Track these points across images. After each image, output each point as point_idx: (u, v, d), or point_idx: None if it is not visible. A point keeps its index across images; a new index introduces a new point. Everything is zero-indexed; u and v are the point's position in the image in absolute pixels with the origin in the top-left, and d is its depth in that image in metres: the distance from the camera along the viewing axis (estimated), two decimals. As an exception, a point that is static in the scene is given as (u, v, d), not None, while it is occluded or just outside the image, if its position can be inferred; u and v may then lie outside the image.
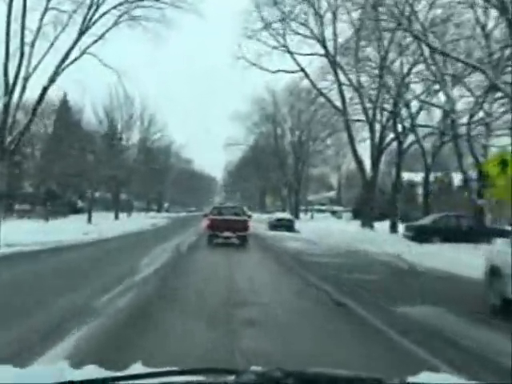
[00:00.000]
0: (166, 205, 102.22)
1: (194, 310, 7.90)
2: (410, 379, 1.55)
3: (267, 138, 62.00)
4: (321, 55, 35.10)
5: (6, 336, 5.98)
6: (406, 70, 28.95)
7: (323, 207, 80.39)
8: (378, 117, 35.24)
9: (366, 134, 36.81)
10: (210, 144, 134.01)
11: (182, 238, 26.32)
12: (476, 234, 21.59)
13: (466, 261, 14.54)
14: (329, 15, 34.49)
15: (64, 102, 61.32)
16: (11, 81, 25.39)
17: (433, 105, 27.41)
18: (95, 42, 28.07)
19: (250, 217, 26.93)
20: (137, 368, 1.71)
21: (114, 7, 28.07)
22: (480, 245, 17.87)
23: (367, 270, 14.94)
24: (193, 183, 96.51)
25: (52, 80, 27.17)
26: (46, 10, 26.21)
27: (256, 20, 34.35)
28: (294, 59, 34.87)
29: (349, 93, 35.69)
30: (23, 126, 27.30)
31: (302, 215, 60.31)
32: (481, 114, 23.90)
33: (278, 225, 39.00)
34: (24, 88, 26.40)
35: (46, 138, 60.76)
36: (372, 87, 32.56)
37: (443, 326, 7.34)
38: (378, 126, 35.82)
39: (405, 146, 32.55)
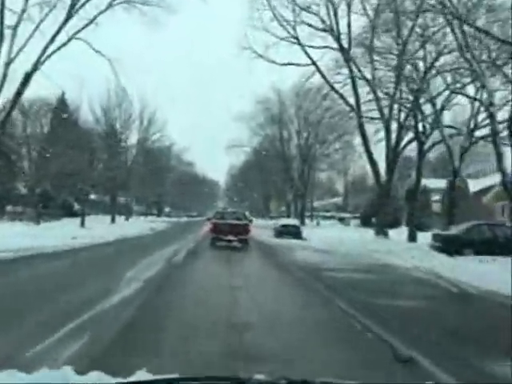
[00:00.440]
0: (167, 209, 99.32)
1: None
2: None
3: (272, 140, 58.78)
4: (333, 48, 32.03)
5: None
6: (429, 60, 25.83)
7: (328, 214, 77.28)
8: (395, 115, 32.14)
9: (379, 135, 33.68)
10: (213, 146, 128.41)
11: (178, 246, 23.26)
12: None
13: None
14: (343, 6, 31.52)
15: (61, 101, 58.50)
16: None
17: (468, 96, 24.25)
18: (86, 26, 25.12)
19: (251, 221, 27.79)
20: (141, 375, 1.75)
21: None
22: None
23: (407, 292, 11.82)
24: (194, 187, 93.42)
25: (36, 66, 24.10)
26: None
27: (264, 7, 31.33)
28: (305, 51, 31.80)
29: (363, 90, 32.64)
30: (4, 115, 24.18)
31: (307, 222, 57.13)
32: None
33: (284, 232, 35.83)
34: (5, 75, 23.40)
35: (42, 138, 57.98)
36: (389, 80, 29.44)
37: None
38: (394, 127, 32.76)
39: (426, 147, 29.36)
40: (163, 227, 48.16)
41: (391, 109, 31.56)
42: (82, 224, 40.72)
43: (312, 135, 53.76)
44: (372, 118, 31.75)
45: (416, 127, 28.41)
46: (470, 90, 24.79)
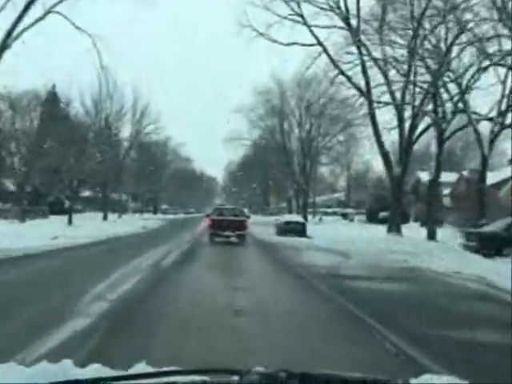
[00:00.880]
0: (164, 206, 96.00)
1: None
2: (413, 381, 1.54)
3: (272, 132, 55.24)
4: (341, 28, 28.65)
5: None
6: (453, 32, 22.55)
7: (329, 209, 73.99)
8: (409, 100, 28.86)
9: (390, 123, 30.31)
10: (210, 140, 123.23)
11: (170, 247, 20.00)
12: None
13: None
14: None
15: (52, 94, 55.18)
16: None
17: (502, 65, 20.76)
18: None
19: (248, 217, 28.40)
20: (141, 368, 1.71)
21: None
22: None
23: (474, 312, 8.53)
24: (192, 184, 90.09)
25: (5, 43, 20.73)
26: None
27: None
28: (311, 30, 28.38)
29: (373, 72, 29.32)
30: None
31: (309, 218, 53.79)
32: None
33: (287, 229, 32.50)
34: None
35: (31, 132, 54.78)
36: (403, 60, 26.15)
37: None
38: (407, 114, 29.50)
39: (446, 134, 26.04)
40: (158, 225, 44.82)
41: (404, 92, 28.30)
42: (70, 222, 37.41)
43: (314, 127, 50.43)
44: (384, 103, 28.36)
45: (435, 111, 25.07)
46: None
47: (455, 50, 23.64)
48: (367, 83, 28.74)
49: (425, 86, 25.73)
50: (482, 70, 21.94)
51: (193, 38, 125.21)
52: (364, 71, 28.78)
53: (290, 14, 28.05)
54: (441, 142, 25.63)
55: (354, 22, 28.37)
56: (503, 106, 22.92)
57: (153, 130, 49.44)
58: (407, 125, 29.76)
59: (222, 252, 19.02)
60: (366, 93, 28.75)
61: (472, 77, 22.73)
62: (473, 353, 5.95)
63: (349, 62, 28.33)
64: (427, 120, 29.06)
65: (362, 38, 27.68)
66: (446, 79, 23.49)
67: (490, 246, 16.89)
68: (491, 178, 43.17)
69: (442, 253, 17.85)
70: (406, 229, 32.63)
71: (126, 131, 49.68)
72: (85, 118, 46.53)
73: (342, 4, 28.14)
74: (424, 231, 34.28)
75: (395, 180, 29.84)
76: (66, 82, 44.27)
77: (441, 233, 27.99)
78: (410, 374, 1.54)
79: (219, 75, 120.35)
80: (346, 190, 68.74)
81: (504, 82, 22.81)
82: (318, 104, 49.30)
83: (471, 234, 19.09)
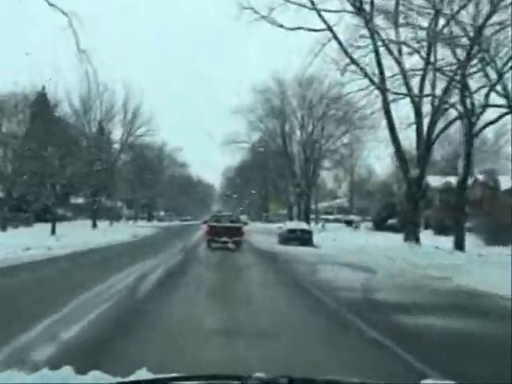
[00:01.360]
0: (161, 213, 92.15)
1: None
2: None
3: (272, 135, 51.38)
4: (351, 12, 25.07)
5: None
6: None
7: (330, 216, 70.37)
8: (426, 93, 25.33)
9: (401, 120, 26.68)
10: (207, 145, 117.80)
11: (157, 262, 16.34)
12: None
13: None
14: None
15: (41, 95, 51.50)
16: None
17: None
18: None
19: (246, 224, 29.73)
20: (142, 374, 1.67)
21: None
22: None
23: None
24: (189, 190, 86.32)
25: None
26: None
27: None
28: (319, 14, 24.73)
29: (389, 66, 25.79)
30: None
31: (311, 225, 50.04)
32: None
33: (291, 238, 28.84)
34: None
35: (19, 136, 51.16)
36: (421, 44, 22.63)
37: None
38: (425, 109, 25.95)
39: (476, 128, 22.40)
40: (150, 233, 41.04)
41: (423, 82, 24.77)
42: (53, 231, 33.64)
43: (317, 129, 46.86)
44: (404, 94, 24.71)
45: (463, 102, 21.40)
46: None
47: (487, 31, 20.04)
48: (381, 73, 25.14)
49: (449, 69, 22.11)
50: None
51: (187, 30, 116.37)
52: (378, 60, 25.20)
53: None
54: (470, 137, 21.97)
55: (367, 6, 24.86)
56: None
57: (145, 131, 45.69)
58: (425, 121, 26.24)
59: (219, 269, 15.30)
60: (380, 82, 25.14)
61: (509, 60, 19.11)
62: None
63: (359, 47, 24.72)
64: (449, 115, 25.57)
65: (376, 22, 24.18)
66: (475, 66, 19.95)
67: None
68: (507, 182, 39.76)
69: (494, 268, 14.14)
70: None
71: (117, 133, 45.99)
72: (73, 119, 42.80)
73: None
74: (440, 239, 30.80)
75: (413, 183, 26.20)
76: (53, 80, 40.37)
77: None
78: (411, 380, 1.46)
79: (216, 74, 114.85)
80: (349, 196, 64.99)
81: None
82: (320, 104, 45.84)
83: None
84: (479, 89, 20.99)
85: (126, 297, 9.38)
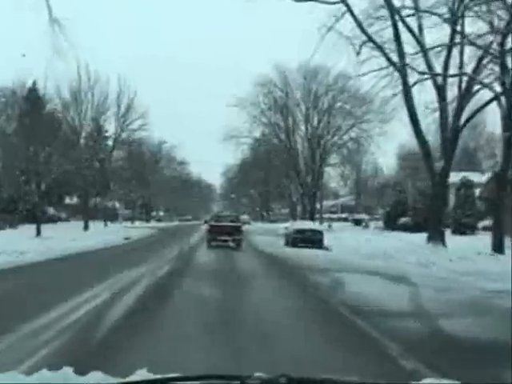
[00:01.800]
0: (161, 213, 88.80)
1: None
2: None
3: (275, 129, 47.78)
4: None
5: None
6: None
7: (334, 215, 67.07)
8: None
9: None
10: (206, 142, 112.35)
11: (145, 270, 13.10)
12: None
13: None
14: None
15: (31, 91, 48.23)
16: None
17: None
18: None
19: (249, 223, 33.07)
20: (141, 374, 1.65)
21: None
22: None
23: None
24: (189, 190, 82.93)
25: None
26: None
27: None
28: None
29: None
30: None
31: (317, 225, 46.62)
32: None
33: (300, 239, 25.54)
34: None
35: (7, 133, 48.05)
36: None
37: None
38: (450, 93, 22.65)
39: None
40: (145, 235, 37.68)
41: (449, 56, 21.47)
42: (38, 233, 30.33)
43: (323, 122, 43.53)
44: (432, 74, 21.35)
45: (503, 79, 18.03)
46: None
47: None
48: (400, 49, 21.78)
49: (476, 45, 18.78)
50: None
51: (183, 15, 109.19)
52: (397, 36, 21.87)
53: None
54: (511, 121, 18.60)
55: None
56: None
57: (140, 126, 42.20)
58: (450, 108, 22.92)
59: (218, 283, 11.83)
60: (400, 63, 21.81)
61: None
62: None
63: (378, 18, 21.38)
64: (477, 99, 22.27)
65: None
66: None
67: None
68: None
69: None
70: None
71: (110, 128, 42.56)
72: (63, 113, 39.53)
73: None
74: (462, 240, 27.57)
75: (437, 177, 22.88)
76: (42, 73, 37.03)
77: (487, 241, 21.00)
78: (409, 379, 1.50)
79: (215, 67, 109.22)
80: (355, 194, 61.56)
81: None
82: (327, 96, 42.52)
83: None
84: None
85: (98, 319, 6.04)
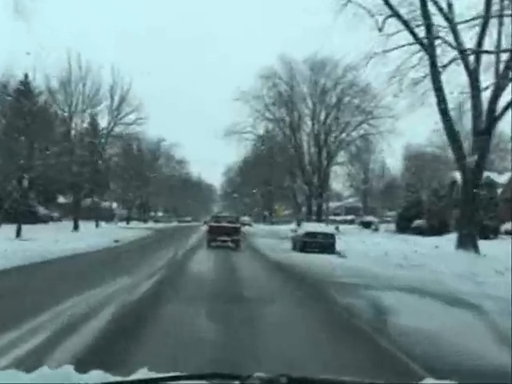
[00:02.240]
0: (160, 214, 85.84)
1: None
2: None
3: (280, 125, 44.58)
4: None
5: None
6: None
7: (338, 217, 64.07)
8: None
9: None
10: (207, 140, 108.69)
11: (131, 281, 10.15)
12: None
13: None
14: None
15: (24, 85, 45.12)
16: None
17: None
18: None
19: (245, 224, 35.48)
20: (143, 373, 1.62)
21: None
22: None
23: None
24: (188, 190, 79.95)
25: None
26: None
27: None
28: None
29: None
30: None
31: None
32: None
33: (310, 243, 22.49)
34: None
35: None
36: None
37: None
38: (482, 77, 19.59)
39: None
40: (139, 236, 34.56)
41: (483, 32, 18.44)
42: (18, 234, 27.22)
43: (330, 118, 40.44)
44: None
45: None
46: None
47: None
48: (428, 26, 18.71)
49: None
50: None
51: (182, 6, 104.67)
52: (424, 11, 18.80)
53: None
54: None
55: None
56: None
57: (134, 120, 39.03)
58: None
59: (214, 307, 8.55)
60: (427, 42, 18.78)
61: None
62: None
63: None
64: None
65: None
66: None
67: None
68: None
69: None
70: (449, 240, 22.93)
71: (103, 123, 39.46)
72: (52, 106, 36.52)
73: None
74: (488, 244, 24.57)
75: (469, 173, 19.80)
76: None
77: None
78: (411, 380, 1.23)
79: (216, 58, 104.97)
80: (362, 195, 58.43)
81: None
82: (335, 90, 39.43)
83: None
84: None
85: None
